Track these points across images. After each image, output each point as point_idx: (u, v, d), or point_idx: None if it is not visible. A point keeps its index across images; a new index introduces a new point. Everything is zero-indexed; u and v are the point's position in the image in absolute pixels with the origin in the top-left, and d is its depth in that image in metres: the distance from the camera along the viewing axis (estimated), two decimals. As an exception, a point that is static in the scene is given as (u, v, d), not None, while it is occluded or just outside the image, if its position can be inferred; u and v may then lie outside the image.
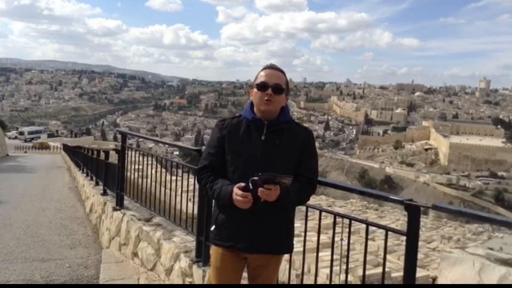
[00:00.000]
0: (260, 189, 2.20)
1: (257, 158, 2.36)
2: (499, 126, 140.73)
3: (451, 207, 2.22)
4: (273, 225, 2.44)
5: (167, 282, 4.10)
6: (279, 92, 2.43)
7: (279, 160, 2.39)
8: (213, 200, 2.62)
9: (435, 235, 18.43)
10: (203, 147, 3.07)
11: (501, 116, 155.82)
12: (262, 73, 2.47)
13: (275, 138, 2.41)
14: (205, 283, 3.47)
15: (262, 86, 2.42)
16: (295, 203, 2.54)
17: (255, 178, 2.21)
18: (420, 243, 2.62)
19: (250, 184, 2.25)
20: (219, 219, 2.46)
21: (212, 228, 2.51)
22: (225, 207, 2.39)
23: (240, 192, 2.24)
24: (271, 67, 2.52)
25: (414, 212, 2.35)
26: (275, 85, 2.42)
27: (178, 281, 3.84)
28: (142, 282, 4.31)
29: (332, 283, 3.04)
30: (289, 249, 2.58)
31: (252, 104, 2.50)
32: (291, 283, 3.42)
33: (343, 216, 2.98)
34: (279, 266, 2.67)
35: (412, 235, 2.36)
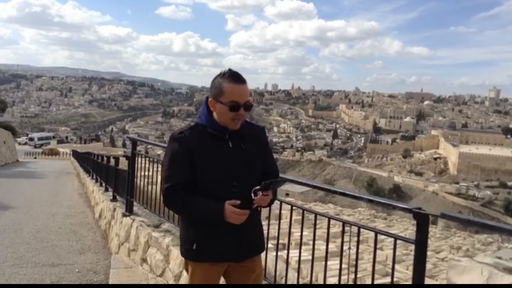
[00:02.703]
0: (259, 197, 2.21)
1: (231, 167, 2.32)
2: (509, 136, 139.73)
3: (459, 215, 2.23)
4: (254, 227, 2.46)
5: (175, 288, 4.12)
6: (250, 109, 2.36)
7: (250, 164, 2.37)
8: (181, 217, 2.52)
9: (444, 245, 18.26)
10: None
11: (511, 126, 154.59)
12: (230, 89, 2.27)
13: (240, 143, 2.37)
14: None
15: (234, 108, 2.27)
16: (273, 202, 2.57)
17: (257, 188, 2.22)
18: (428, 253, 2.63)
19: (252, 195, 2.23)
20: (200, 236, 2.35)
21: (194, 246, 2.36)
22: (206, 222, 2.31)
23: (238, 210, 2.19)
24: (238, 79, 2.29)
25: (423, 221, 2.35)
26: (246, 103, 2.30)
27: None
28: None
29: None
30: (264, 245, 2.61)
31: (209, 111, 2.37)
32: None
33: (351, 224, 2.98)
34: (262, 266, 2.67)
35: (420, 243, 2.35)
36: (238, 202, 2.20)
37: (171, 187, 2.30)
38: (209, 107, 2.37)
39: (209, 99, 2.36)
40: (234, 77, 2.28)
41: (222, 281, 2.56)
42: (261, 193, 2.21)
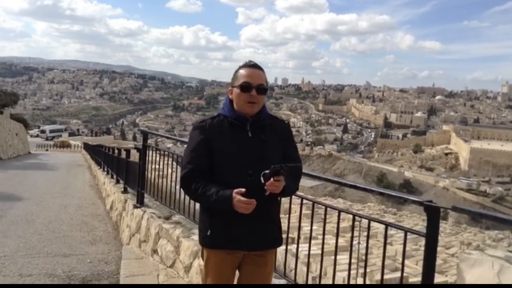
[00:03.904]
0: (269, 182, 2.19)
1: (248, 156, 2.34)
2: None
3: (470, 208, 2.22)
4: (270, 219, 2.46)
5: (186, 279, 4.15)
6: (262, 92, 2.38)
7: (269, 154, 2.37)
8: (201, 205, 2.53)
9: (454, 240, 18.18)
10: None
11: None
12: (243, 72, 2.39)
13: (260, 134, 2.39)
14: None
15: (245, 87, 2.35)
16: (292, 192, 2.55)
17: (267, 172, 2.20)
18: (438, 248, 2.61)
19: (262, 179, 2.23)
20: (215, 223, 2.39)
21: (208, 233, 2.40)
22: (220, 210, 2.32)
23: (243, 199, 2.19)
24: (252, 65, 2.42)
25: (433, 214, 2.34)
26: (258, 85, 2.36)
27: (197, 278, 3.88)
28: (161, 278, 4.38)
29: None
30: (281, 242, 2.59)
31: (230, 102, 2.44)
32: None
33: (362, 216, 2.98)
34: (274, 262, 2.69)
35: (431, 237, 2.35)
36: (244, 190, 2.20)
37: (188, 172, 2.37)
38: (232, 100, 2.44)
39: (229, 88, 2.45)
40: (249, 63, 2.43)
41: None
42: (272, 179, 2.19)
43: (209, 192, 2.28)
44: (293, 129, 2.69)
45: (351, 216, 3.02)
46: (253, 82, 2.35)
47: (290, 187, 2.36)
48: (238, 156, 2.34)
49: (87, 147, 28.46)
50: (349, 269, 3.03)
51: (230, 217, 2.31)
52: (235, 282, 2.53)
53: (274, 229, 2.50)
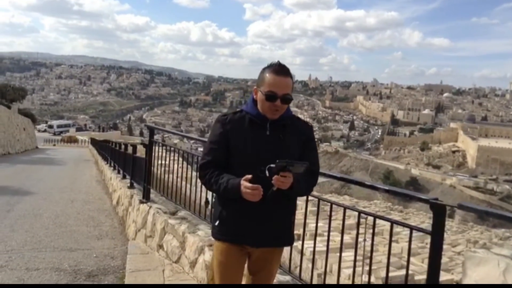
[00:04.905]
0: (275, 176, 2.18)
1: (263, 153, 2.34)
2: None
3: (476, 206, 2.21)
4: (280, 217, 2.44)
5: (191, 275, 4.17)
6: (287, 102, 2.37)
7: (284, 154, 2.34)
8: (214, 195, 2.58)
9: (461, 238, 18.11)
10: None
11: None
12: (270, 79, 2.33)
13: (279, 133, 2.39)
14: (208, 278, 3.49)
15: (270, 97, 2.32)
16: (304, 192, 2.53)
17: (272, 166, 2.20)
18: (445, 246, 2.61)
19: (267, 172, 2.24)
20: (224, 214, 2.42)
21: (216, 223, 2.45)
22: (231, 201, 2.35)
23: (249, 184, 2.20)
24: (280, 71, 2.33)
25: (439, 211, 2.33)
26: (284, 95, 2.33)
27: (202, 273, 3.90)
28: (167, 273, 4.39)
29: (354, 283, 3.04)
30: (292, 241, 2.59)
31: (254, 100, 2.44)
32: (313, 283, 3.43)
33: (367, 214, 2.97)
34: (280, 260, 2.68)
35: (437, 234, 2.34)
36: (250, 176, 2.21)
37: (205, 163, 2.43)
38: (256, 99, 2.45)
39: (254, 87, 2.45)
40: (277, 68, 2.35)
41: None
42: (278, 174, 2.18)
43: (221, 181, 2.32)
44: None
45: (357, 213, 3.02)
46: (279, 92, 2.32)
47: (301, 185, 2.34)
48: (252, 152, 2.35)
49: (94, 142, 28.60)
50: (354, 266, 3.02)
51: (239, 210, 2.34)
52: (243, 279, 2.53)
53: (284, 228, 2.49)
